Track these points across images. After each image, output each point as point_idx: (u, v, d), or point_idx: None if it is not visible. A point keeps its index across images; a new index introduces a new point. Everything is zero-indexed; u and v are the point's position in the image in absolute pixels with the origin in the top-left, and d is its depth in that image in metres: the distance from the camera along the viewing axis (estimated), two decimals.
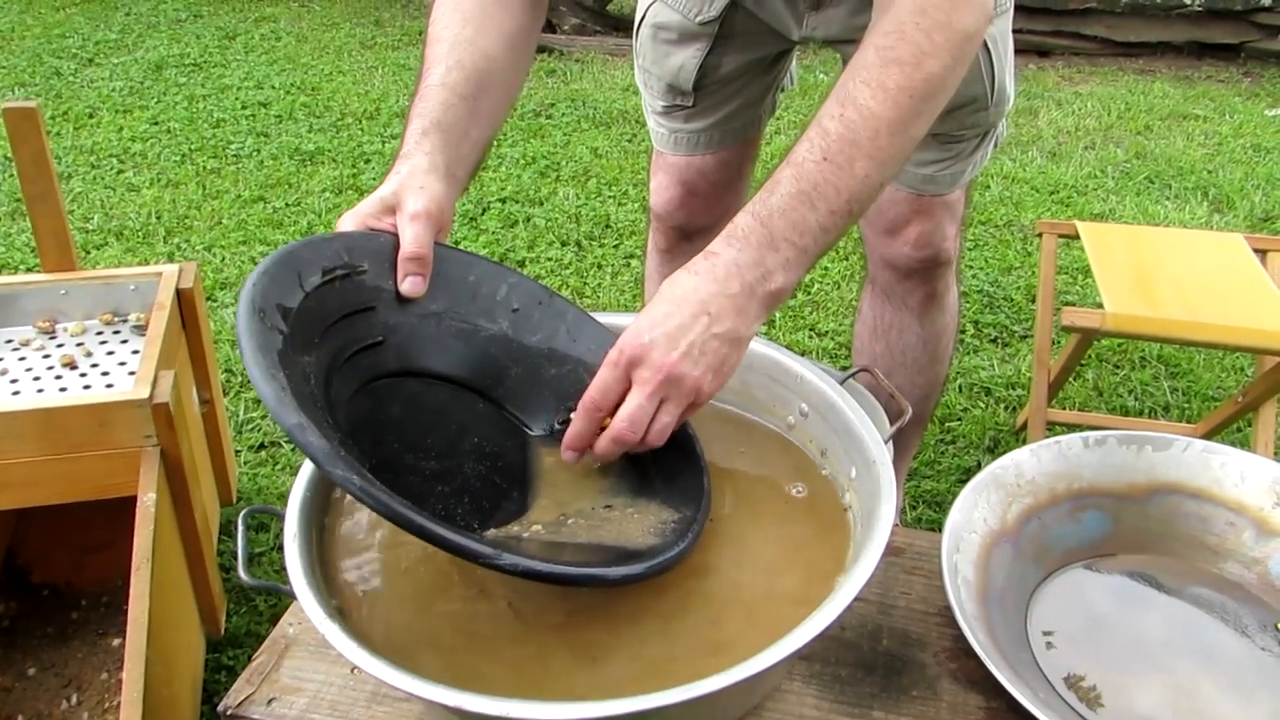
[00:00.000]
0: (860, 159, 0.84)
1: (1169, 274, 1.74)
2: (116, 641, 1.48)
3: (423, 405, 0.89)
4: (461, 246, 1.11)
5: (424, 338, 0.90)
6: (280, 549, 1.66)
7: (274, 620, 1.56)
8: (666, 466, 0.90)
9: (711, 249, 0.84)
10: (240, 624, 1.57)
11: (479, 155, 1.00)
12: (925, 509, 1.85)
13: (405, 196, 0.90)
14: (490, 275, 0.95)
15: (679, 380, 0.80)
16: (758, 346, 0.98)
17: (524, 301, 0.96)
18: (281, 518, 0.83)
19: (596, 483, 0.89)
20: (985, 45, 1.24)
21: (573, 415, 0.83)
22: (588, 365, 0.94)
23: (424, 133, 0.93)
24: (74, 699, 1.39)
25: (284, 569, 0.78)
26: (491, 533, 0.82)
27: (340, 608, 0.79)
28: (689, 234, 1.58)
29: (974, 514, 0.94)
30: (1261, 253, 1.82)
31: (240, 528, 0.82)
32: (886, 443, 0.87)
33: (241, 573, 0.78)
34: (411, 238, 0.88)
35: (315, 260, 0.84)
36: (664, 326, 0.81)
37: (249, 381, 2.15)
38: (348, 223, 0.90)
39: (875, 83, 0.85)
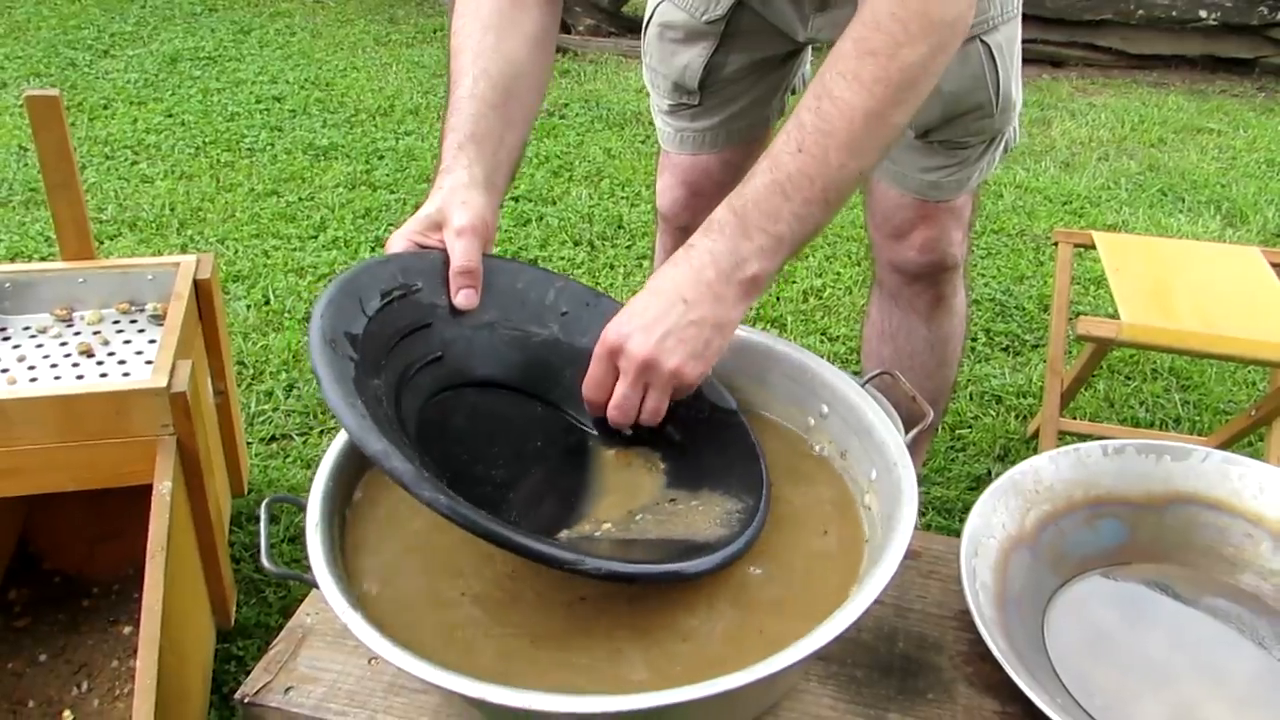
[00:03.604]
0: (835, 149, 0.85)
1: (1185, 285, 1.74)
2: (127, 629, 1.48)
3: (485, 414, 0.92)
4: None
5: (480, 348, 0.92)
6: (291, 540, 1.69)
7: (284, 612, 1.57)
8: (724, 457, 0.91)
9: (690, 241, 0.87)
10: (250, 615, 1.57)
11: (515, 159, 1.02)
12: (935, 515, 1.85)
13: (450, 213, 0.92)
14: (538, 281, 0.97)
15: (656, 367, 0.84)
16: (779, 346, 0.99)
17: (572, 304, 0.97)
18: (301, 507, 0.83)
19: (657, 477, 0.90)
20: (990, 52, 1.24)
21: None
22: None
23: (460, 146, 0.95)
24: (84, 686, 1.40)
25: (297, 560, 0.79)
26: (565, 534, 0.83)
27: (360, 597, 0.79)
28: None
29: (992, 519, 0.94)
30: (1278, 266, 1.82)
31: (263, 516, 0.83)
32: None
33: (264, 560, 0.79)
34: (460, 252, 0.91)
35: (373, 284, 0.87)
36: (642, 317, 0.85)
37: (261, 374, 2.16)
38: (397, 243, 0.92)
39: (850, 74, 0.86)
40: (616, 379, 0.86)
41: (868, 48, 0.86)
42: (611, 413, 0.87)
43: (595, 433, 0.95)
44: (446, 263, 0.91)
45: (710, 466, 0.91)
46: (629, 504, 0.88)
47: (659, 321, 0.84)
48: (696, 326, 0.85)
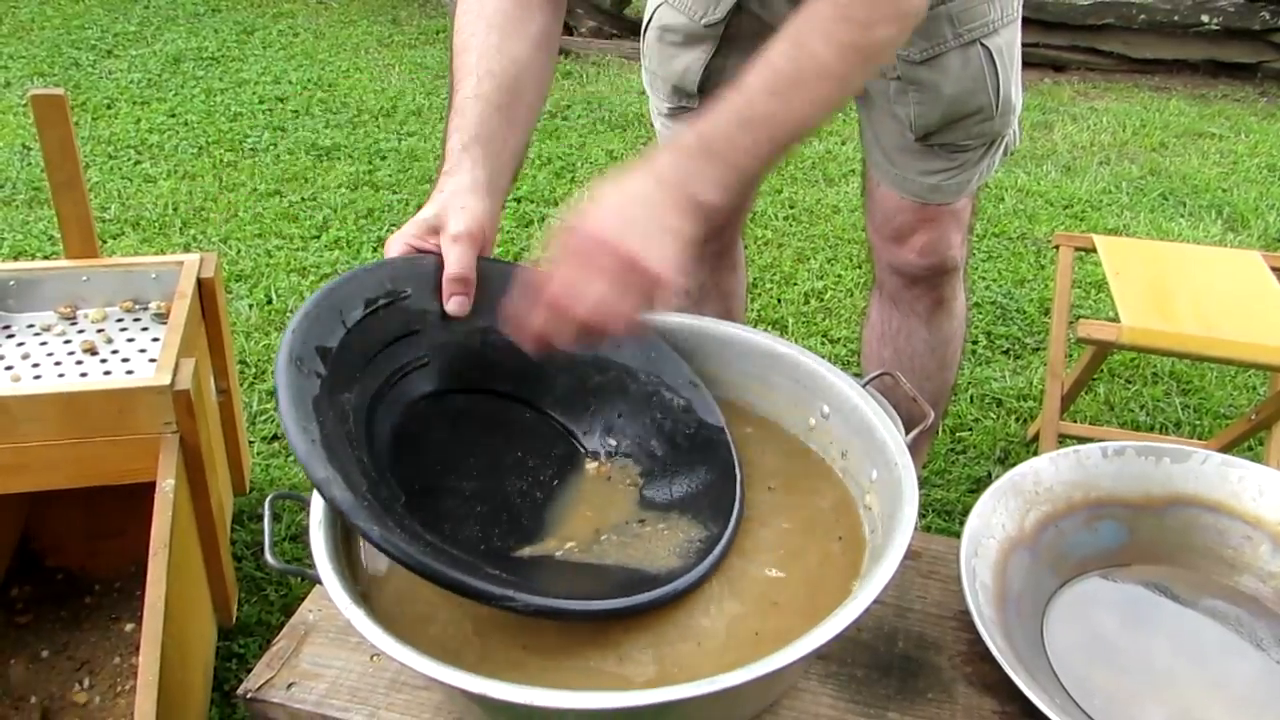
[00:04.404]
0: (801, 100, 0.90)
1: (1185, 289, 1.74)
2: (129, 626, 1.48)
3: (468, 421, 0.92)
4: None
5: (470, 354, 0.92)
6: (293, 539, 1.70)
7: (285, 610, 1.57)
8: (702, 479, 0.91)
9: (651, 156, 0.89)
10: (251, 613, 1.58)
11: (518, 161, 1.02)
12: (935, 518, 1.85)
13: (448, 218, 0.92)
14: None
15: (614, 248, 0.82)
16: (780, 347, 0.99)
17: None
18: (304, 504, 0.84)
19: (632, 494, 0.90)
20: (990, 56, 1.25)
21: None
22: (631, 371, 0.97)
23: (464, 148, 0.95)
24: (86, 682, 1.40)
25: (299, 559, 0.79)
26: (527, 550, 0.84)
27: (363, 593, 0.80)
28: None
29: (992, 520, 0.95)
30: (1278, 270, 1.82)
31: (266, 511, 0.83)
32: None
33: (267, 555, 0.79)
34: (455, 259, 0.91)
35: (358, 294, 0.87)
36: (600, 206, 0.85)
37: (263, 373, 2.16)
38: (394, 246, 0.92)
39: (827, 34, 0.90)
40: (578, 277, 0.83)
41: (847, 14, 0.90)
42: (554, 293, 0.83)
43: (582, 441, 0.95)
44: (440, 268, 0.91)
45: (686, 487, 0.91)
46: (598, 522, 0.88)
47: (621, 209, 0.84)
48: (660, 228, 0.85)
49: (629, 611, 0.79)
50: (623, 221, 0.84)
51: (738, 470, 0.91)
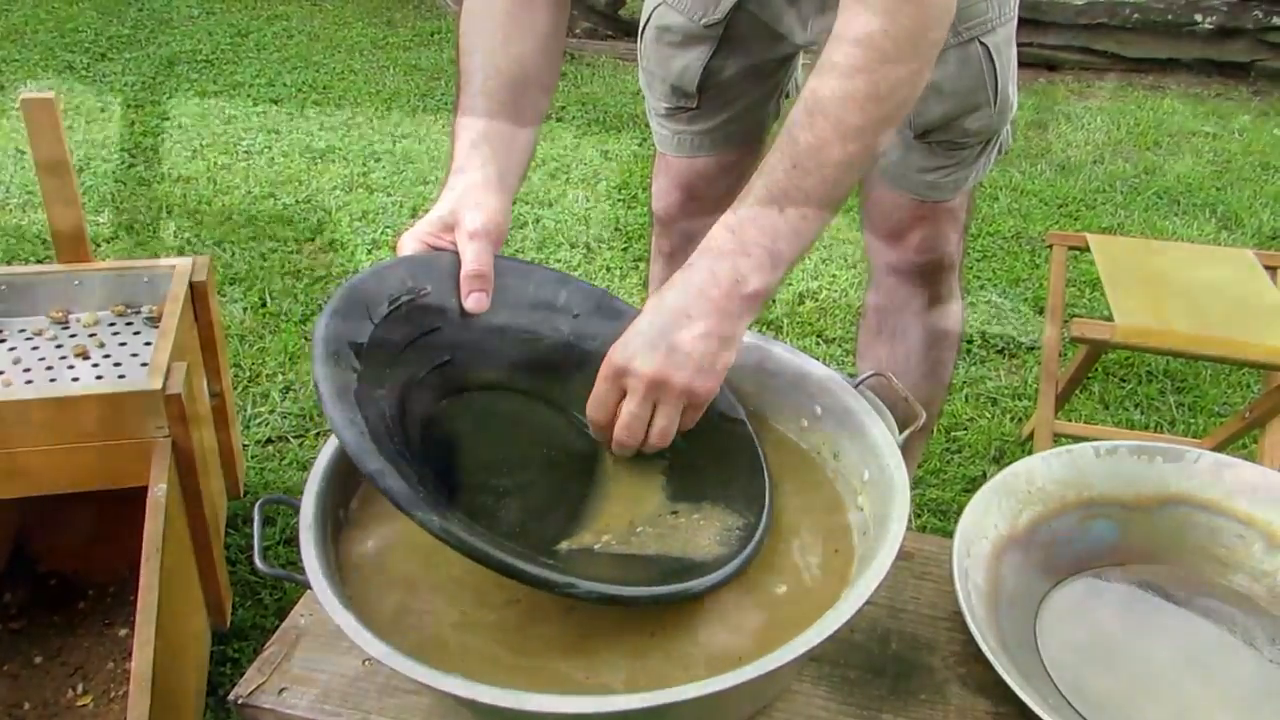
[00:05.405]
0: (829, 165, 0.86)
1: (1179, 288, 1.74)
2: (123, 631, 1.48)
3: (492, 419, 0.91)
4: None
5: (488, 351, 0.92)
6: (287, 542, 1.70)
7: (279, 614, 1.57)
8: (729, 469, 0.91)
9: (689, 262, 0.87)
10: (246, 617, 1.58)
11: (527, 158, 1.02)
12: (930, 517, 1.85)
13: (463, 214, 0.92)
14: (549, 283, 0.97)
15: (665, 383, 0.83)
16: (773, 348, 0.99)
17: (583, 306, 0.97)
18: (294, 508, 0.83)
19: (661, 486, 0.90)
20: (989, 53, 1.25)
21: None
22: None
23: (474, 145, 0.95)
24: (80, 687, 1.40)
25: (294, 562, 0.79)
26: (565, 545, 0.83)
27: (353, 598, 0.80)
28: (690, 237, 1.58)
29: (985, 520, 0.94)
30: (1271, 269, 1.83)
31: (256, 517, 0.83)
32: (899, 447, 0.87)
33: (257, 560, 0.79)
34: (472, 256, 0.90)
35: (381, 291, 0.86)
36: (647, 334, 0.84)
37: (257, 376, 2.16)
38: (408, 244, 0.92)
39: (843, 92, 0.86)
40: (622, 399, 0.85)
41: (860, 65, 0.86)
42: (619, 434, 0.85)
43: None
44: (457, 265, 0.91)
45: (714, 478, 0.91)
46: (631, 514, 0.87)
47: (664, 337, 0.83)
48: (703, 340, 0.84)
49: (688, 595, 0.79)
50: (661, 346, 0.83)
51: (763, 459, 0.92)
